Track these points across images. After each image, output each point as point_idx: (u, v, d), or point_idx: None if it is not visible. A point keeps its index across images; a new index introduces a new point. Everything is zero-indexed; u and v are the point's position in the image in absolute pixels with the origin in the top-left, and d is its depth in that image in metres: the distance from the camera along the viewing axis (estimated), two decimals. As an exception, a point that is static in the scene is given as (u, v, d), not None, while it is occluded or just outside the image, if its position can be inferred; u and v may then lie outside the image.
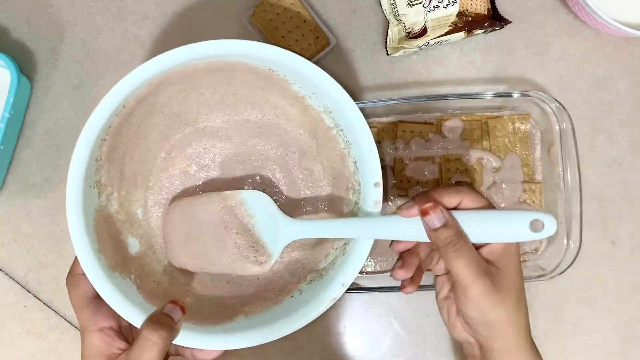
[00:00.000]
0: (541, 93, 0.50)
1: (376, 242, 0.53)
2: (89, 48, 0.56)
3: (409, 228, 0.39)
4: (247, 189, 0.50)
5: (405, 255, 0.43)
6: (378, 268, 0.53)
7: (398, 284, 0.52)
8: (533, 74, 0.55)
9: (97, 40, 0.56)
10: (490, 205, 0.39)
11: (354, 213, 0.46)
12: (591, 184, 0.55)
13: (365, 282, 0.53)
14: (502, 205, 0.52)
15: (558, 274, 0.50)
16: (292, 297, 0.46)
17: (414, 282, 0.43)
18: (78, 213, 0.42)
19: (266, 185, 0.50)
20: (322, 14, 0.55)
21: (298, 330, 0.55)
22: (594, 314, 0.54)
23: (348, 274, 0.43)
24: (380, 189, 0.43)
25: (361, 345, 0.55)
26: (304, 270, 0.48)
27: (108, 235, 0.44)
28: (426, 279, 0.53)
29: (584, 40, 0.55)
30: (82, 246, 0.41)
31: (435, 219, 0.38)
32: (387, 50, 0.54)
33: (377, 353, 0.55)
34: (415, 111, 0.53)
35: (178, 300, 0.40)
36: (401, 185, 0.53)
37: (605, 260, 0.54)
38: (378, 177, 0.43)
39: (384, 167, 0.52)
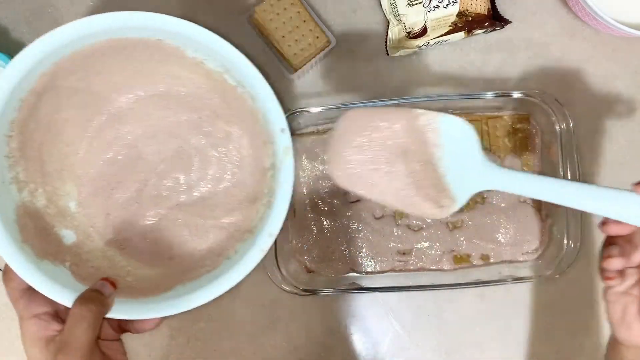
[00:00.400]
0: (541, 93, 0.50)
1: (375, 242, 0.53)
2: (89, 48, 0.56)
3: (637, 208, 0.34)
4: (177, 157, 0.51)
5: (622, 242, 0.37)
6: (378, 268, 0.53)
7: (398, 283, 0.52)
8: (533, 74, 0.55)
9: (97, 40, 0.56)
10: None
11: (273, 166, 0.46)
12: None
13: (365, 282, 0.53)
14: (502, 205, 0.52)
15: (558, 274, 0.50)
16: (228, 258, 0.47)
17: (622, 274, 0.37)
18: None
19: (195, 152, 0.51)
20: (322, 14, 0.55)
21: (298, 330, 0.55)
22: (594, 314, 0.54)
23: (274, 224, 0.44)
24: (287, 135, 0.44)
25: (361, 345, 0.55)
26: (240, 232, 0.48)
27: (35, 228, 0.44)
28: (427, 279, 0.53)
29: (584, 40, 0.55)
30: (1, 239, 0.42)
31: None
32: (387, 50, 0.54)
33: (377, 353, 0.55)
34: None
35: (109, 277, 0.42)
36: (401, 185, 0.53)
37: (605, 260, 0.54)
38: (283, 123, 0.44)
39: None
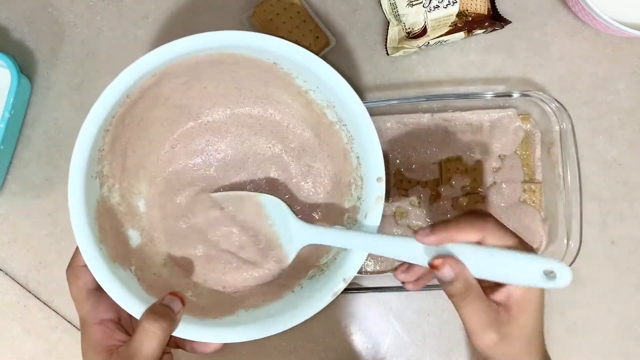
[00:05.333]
0: (541, 93, 0.50)
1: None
2: (89, 48, 0.56)
3: (419, 253, 0.39)
4: (250, 188, 0.50)
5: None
6: (378, 268, 0.53)
7: (398, 283, 0.52)
8: (533, 74, 0.55)
9: (97, 40, 0.56)
10: (517, 242, 0.37)
11: (355, 208, 0.46)
12: (591, 184, 0.55)
13: (365, 282, 0.53)
14: (502, 204, 0.52)
15: (558, 274, 0.50)
16: (292, 292, 0.46)
17: (418, 283, 0.43)
18: (80, 203, 0.41)
19: (269, 184, 0.50)
20: (322, 14, 0.55)
21: (298, 330, 0.55)
22: (594, 314, 0.54)
23: (350, 269, 0.43)
24: (383, 184, 0.43)
25: (361, 345, 0.55)
26: (306, 266, 0.48)
27: (109, 227, 0.44)
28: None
29: (584, 40, 0.55)
30: (84, 236, 0.41)
31: (446, 273, 0.37)
32: (387, 50, 0.54)
33: (377, 353, 0.55)
34: (416, 111, 0.53)
35: (178, 292, 0.40)
36: (401, 185, 0.53)
37: (605, 260, 0.54)
38: (381, 172, 0.43)
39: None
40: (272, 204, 0.47)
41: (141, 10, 0.56)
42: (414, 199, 0.53)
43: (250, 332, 0.42)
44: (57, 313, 0.55)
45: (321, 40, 0.52)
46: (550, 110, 0.50)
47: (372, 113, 0.53)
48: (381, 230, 0.53)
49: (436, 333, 0.55)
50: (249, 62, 0.44)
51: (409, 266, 0.42)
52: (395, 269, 0.43)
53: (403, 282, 0.43)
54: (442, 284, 0.38)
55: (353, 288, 0.52)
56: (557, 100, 0.50)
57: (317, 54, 0.52)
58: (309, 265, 0.47)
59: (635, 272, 0.54)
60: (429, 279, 0.42)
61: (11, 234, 0.55)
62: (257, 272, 0.48)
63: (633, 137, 0.55)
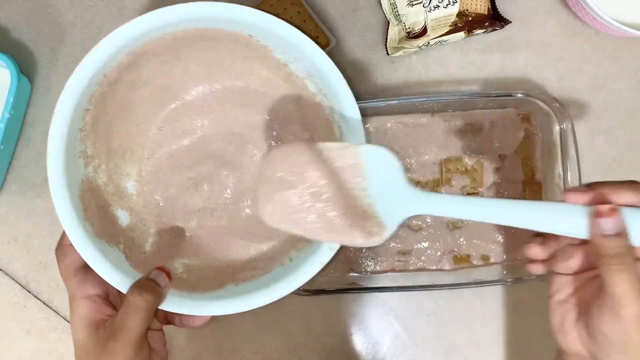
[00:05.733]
0: (541, 93, 0.50)
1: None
2: (89, 48, 0.55)
3: (565, 219, 0.34)
4: (242, 161, 0.50)
5: (549, 235, 0.39)
6: (378, 268, 0.53)
7: (398, 283, 0.52)
8: (533, 74, 0.55)
9: (97, 40, 0.55)
10: None
11: None
12: (591, 184, 0.55)
13: (365, 282, 0.53)
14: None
15: (558, 274, 0.50)
16: (282, 265, 0.46)
17: (549, 263, 0.38)
18: (61, 180, 0.42)
19: (262, 153, 0.50)
20: (322, 14, 0.55)
21: (298, 329, 0.55)
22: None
23: None
24: None
25: (361, 345, 0.55)
26: (295, 238, 0.48)
27: (95, 205, 0.44)
28: (427, 279, 0.53)
29: (584, 40, 0.55)
30: (66, 213, 0.41)
31: (612, 223, 0.33)
32: (387, 50, 0.54)
33: (377, 353, 0.55)
34: (415, 111, 0.53)
35: (164, 266, 0.41)
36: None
37: (605, 260, 0.54)
38: (362, 140, 0.43)
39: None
40: (374, 156, 0.38)
41: (141, 11, 0.56)
42: (414, 199, 0.53)
43: (238, 305, 0.43)
44: (57, 313, 0.55)
45: (321, 40, 0.52)
46: (550, 110, 0.50)
47: (372, 113, 0.53)
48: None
49: (436, 333, 0.55)
50: (225, 36, 0.44)
51: (544, 238, 0.38)
52: (528, 243, 0.38)
53: (530, 261, 0.39)
54: (601, 241, 0.33)
55: (353, 288, 0.52)
56: (557, 100, 0.50)
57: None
58: (299, 237, 0.47)
59: (635, 272, 0.54)
60: (567, 257, 0.37)
61: (11, 234, 0.55)
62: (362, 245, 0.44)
63: (633, 137, 0.55)
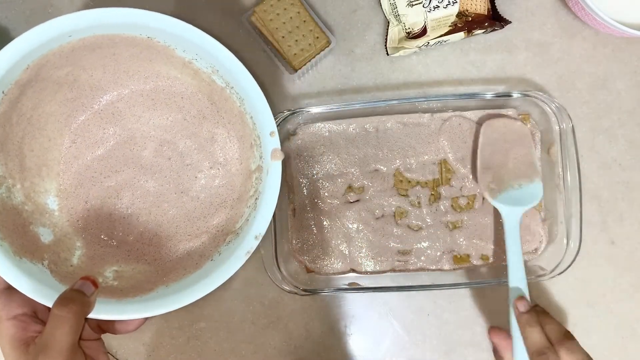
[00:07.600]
0: (541, 93, 0.50)
1: (375, 242, 0.53)
2: (89, 48, 0.56)
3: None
4: (162, 160, 0.51)
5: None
6: (378, 268, 0.53)
7: (398, 283, 0.52)
8: (533, 74, 0.55)
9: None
10: None
11: (260, 168, 0.46)
12: (591, 184, 0.55)
13: (365, 282, 0.53)
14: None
15: (558, 274, 0.50)
16: (212, 260, 0.47)
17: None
18: None
19: (179, 153, 0.51)
20: (322, 14, 0.55)
21: (298, 330, 0.55)
22: (594, 314, 0.54)
23: (260, 225, 0.44)
24: (276, 138, 0.45)
25: (361, 345, 0.55)
26: (224, 233, 0.48)
27: (12, 225, 0.44)
28: (427, 279, 0.53)
29: (584, 40, 0.55)
30: None
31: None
32: (387, 50, 0.54)
33: (377, 353, 0.55)
34: (415, 111, 0.53)
35: (90, 275, 0.40)
36: (401, 186, 0.53)
37: (605, 260, 0.54)
38: (272, 126, 0.45)
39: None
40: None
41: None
42: (413, 199, 0.53)
43: (168, 305, 0.43)
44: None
45: (321, 40, 0.52)
46: (550, 110, 0.50)
47: (372, 113, 0.53)
48: (381, 230, 0.53)
49: (436, 333, 0.55)
50: (124, 40, 0.44)
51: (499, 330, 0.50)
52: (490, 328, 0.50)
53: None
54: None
55: (353, 288, 0.52)
56: (557, 100, 0.50)
57: (317, 54, 0.52)
58: (227, 231, 0.48)
59: (635, 272, 0.54)
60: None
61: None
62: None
63: (633, 137, 0.55)
